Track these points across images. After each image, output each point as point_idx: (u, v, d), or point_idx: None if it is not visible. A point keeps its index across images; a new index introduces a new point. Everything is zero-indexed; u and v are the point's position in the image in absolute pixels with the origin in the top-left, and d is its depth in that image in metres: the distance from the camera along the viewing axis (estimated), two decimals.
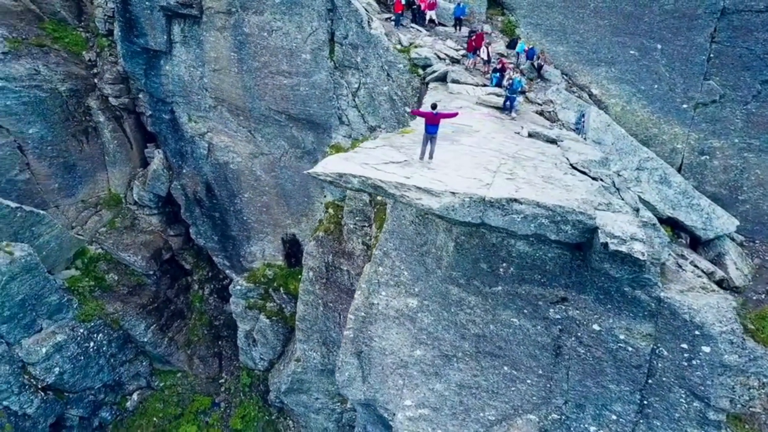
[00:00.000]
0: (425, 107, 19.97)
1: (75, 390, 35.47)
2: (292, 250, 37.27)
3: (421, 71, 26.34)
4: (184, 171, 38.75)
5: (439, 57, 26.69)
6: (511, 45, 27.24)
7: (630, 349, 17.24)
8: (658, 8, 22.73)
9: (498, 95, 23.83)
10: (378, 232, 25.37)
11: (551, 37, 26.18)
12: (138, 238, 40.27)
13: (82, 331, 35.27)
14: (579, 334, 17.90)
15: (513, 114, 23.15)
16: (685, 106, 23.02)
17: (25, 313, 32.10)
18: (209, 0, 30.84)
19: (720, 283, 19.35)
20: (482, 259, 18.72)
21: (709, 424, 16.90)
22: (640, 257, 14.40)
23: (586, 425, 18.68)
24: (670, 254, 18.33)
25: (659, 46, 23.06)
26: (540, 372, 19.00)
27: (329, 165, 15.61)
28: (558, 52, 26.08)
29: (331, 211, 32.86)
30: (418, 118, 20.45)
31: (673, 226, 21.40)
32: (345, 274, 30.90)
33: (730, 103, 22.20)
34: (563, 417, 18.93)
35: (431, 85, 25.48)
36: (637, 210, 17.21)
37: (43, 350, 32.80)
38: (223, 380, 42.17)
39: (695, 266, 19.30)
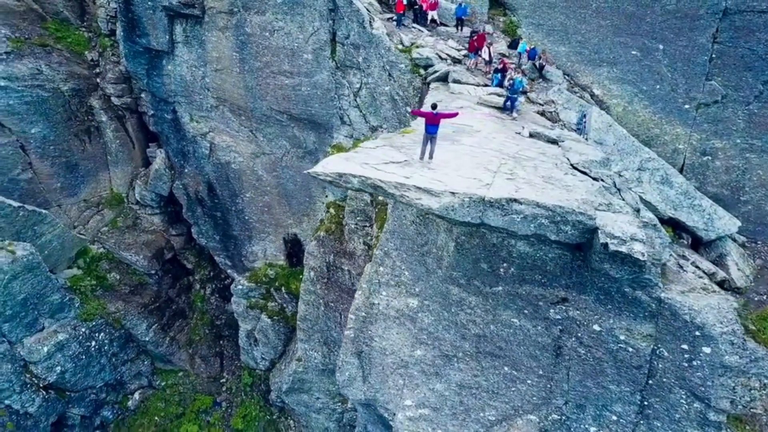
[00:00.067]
0: (426, 107, 19.97)
1: (76, 389, 35.52)
2: (294, 249, 37.29)
3: (422, 71, 26.34)
4: (186, 171, 38.81)
5: (440, 57, 26.68)
6: (513, 45, 27.22)
7: (630, 349, 17.20)
8: (660, 8, 22.69)
9: (499, 95, 23.81)
10: (379, 232, 25.37)
11: (553, 37, 26.15)
12: (140, 238, 40.34)
13: (83, 330, 35.34)
14: (579, 334, 17.88)
15: (514, 114, 23.13)
16: (687, 106, 22.99)
17: (27, 312, 32.17)
18: (211, 0, 30.87)
19: (721, 284, 19.31)
20: (483, 260, 18.71)
21: (709, 425, 16.85)
22: (640, 258, 14.37)
23: (587, 426, 18.65)
24: (671, 255, 18.28)
25: (661, 47, 23.02)
26: (540, 372, 18.97)
27: (329, 165, 15.62)
28: (560, 53, 26.05)
29: (332, 211, 32.88)
30: (418, 118, 20.45)
31: (675, 226, 21.37)
32: (346, 274, 30.91)
33: (732, 103, 22.16)
34: (563, 417, 18.90)
35: (433, 85, 25.48)
36: (638, 210, 17.18)
37: (45, 349, 32.87)
38: (224, 380, 42.22)
39: (696, 267, 19.26)
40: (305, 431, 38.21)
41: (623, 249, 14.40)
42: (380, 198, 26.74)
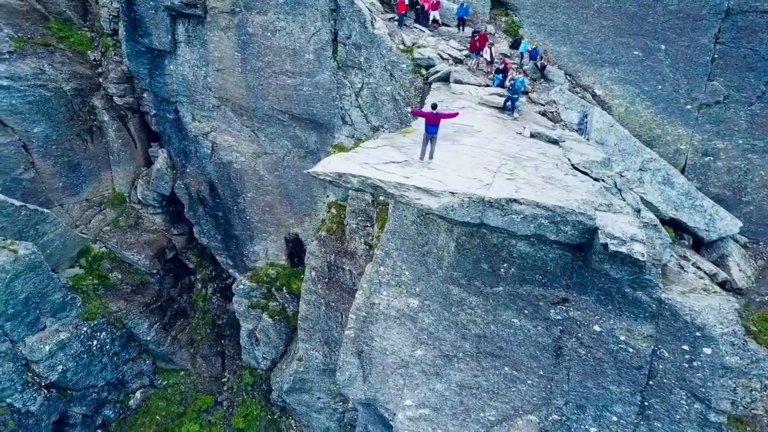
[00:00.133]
0: (426, 107, 19.97)
1: (78, 388, 35.56)
2: (295, 249, 37.31)
3: (424, 71, 26.33)
4: (188, 170, 38.87)
5: (442, 57, 26.67)
6: (515, 45, 27.19)
7: (631, 350, 17.19)
8: (662, 9, 22.63)
9: (501, 95, 23.80)
10: (380, 232, 25.38)
11: (555, 37, 26.11)
12: (142, 237, 40.38)
13: (85, 329, 35.36)
14: (580, 334, 17.86)
15: (515, 114, 23.11)
16: (688, 106, 22.93)
17: (29, 311, 32.21)
18: (213, 0, 30.92)
19: (723, 285, 19.27)
20: (483, 260, 18.70)
21: (710, 426, 16.83)
22: (640, 258, 14.35)
23: (587, 426, 18.63)
24: (671, 255, 18.25)
25: (663, 47, 22.96)
26: (541, 373, 18.96)
27: (329, 165, 15.63)
28: (562, 53, 26.01)
29: (333, 210, 32.89)
30: (419, 118, 20.44)
31: (676, 227, 21.33)
32: (347, 273, 30.93)
33: (734, 104, 22.09)
34: (564, 418, 18.88)
35: (434, 85, 25.47)
36: (639, 211, 17.15)
37: (47, 348, 32.88)
38: (225, 379, 42.26)
39: (698, 268, 19.23)
40: (306, 431, 38.23)
41: (623, 249, 14.39)
42: (381, 198, 26.74)
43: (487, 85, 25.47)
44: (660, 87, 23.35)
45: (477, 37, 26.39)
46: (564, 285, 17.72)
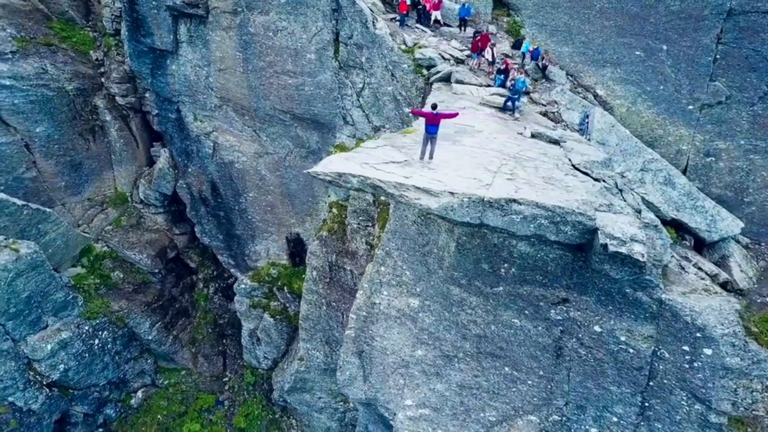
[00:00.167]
0: (426, 107, 19.97)
1: (80, 387, 35.65)
2: (297, 249, 37.35)
3: (425, 71, 26.30)
4: (190, 170, 38.93)
5: (443, 57, 26.64)
6: (516, 45, 27.14)
7: (631, 350, 17.15)
8: (664, 9, 22.56)
9: (502, 96, 23.76)
10: (381, 232, 25.37)
11: (557, 37, 26.06)
12: (143, 237, 40.47)
13: (87, 328, 35.44)
14: (580, 335, 17.84)
15: (516, 115, 23.09)
16: (690, 107, 22.86)
17: (31, 310, 32.29)
18: (215, 0, 30.96)
19: (724, 286, 19.21)
20: (484, 260, 18.68)
21: (710, 427, 16.78)
22: (640, 259, 14.32)
23: (587, 427, 18.60)
24: (672, 256, 18.19)
25: (665, 47, 22.90)
26: (541, 373, 18.94)
27: (329, 164, 15.63)
28: (563, 53, 25.96)
29: (335, 210, 32.91)
30: (420, 118, 20.43)
31: (678, 227, 21.28)
32: (348, 273, 30.95)
33: (736, 104, 22.00)
34: (564, 418, 18.86)
35: (435, 85, 25.44)
36: (639, 211, 17.10)
37: (49, 347, 32.98)
38: (227, 379, 42.32)
39: (699, 268, 19.17)
40: (307, 430, 38.25)
41: (623, 250, 14.35)
42: (382, 198, 26.75)
43: (489, 86, 25.42)
44: (662, 87, 23.29)
45: (479, 38, 26.35)
46: (564, 285, 17.69)
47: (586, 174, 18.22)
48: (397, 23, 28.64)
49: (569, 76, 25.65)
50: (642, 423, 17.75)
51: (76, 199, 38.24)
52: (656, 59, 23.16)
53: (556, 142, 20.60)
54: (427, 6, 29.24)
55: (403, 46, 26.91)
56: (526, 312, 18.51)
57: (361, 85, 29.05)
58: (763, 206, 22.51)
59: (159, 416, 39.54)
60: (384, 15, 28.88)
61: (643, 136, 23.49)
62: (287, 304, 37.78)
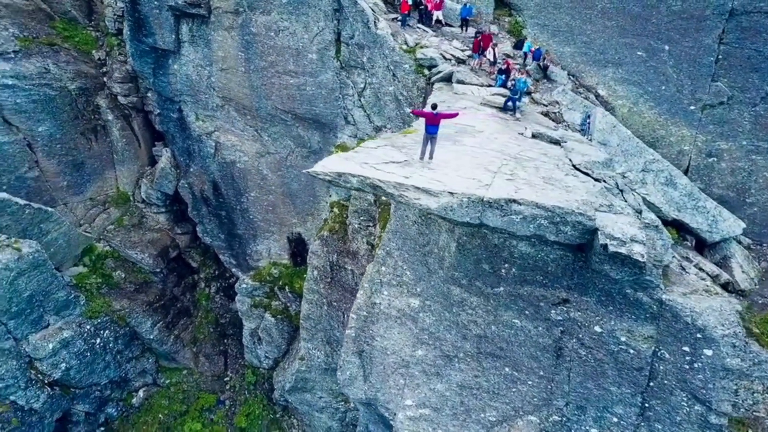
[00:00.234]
0: (427, 107, 19.96)
1: (81, 386, 35.70)
2: (298, 249, 37.37)
3: (426, 71, 26.28)
4: (192, 169, 38.98)
5: (444, 57, 26.63)
6: (518, 45, 27.13)
7: (631, 351, 17.12)
8: (666, 9, 22.52)
9: (503, 96, 23.74)
10: (382, 232, 25.36)
11: (558, 37, 26.03)
12: (145, 236, 40.54)
13: (88, 327, 35.48)
14: (580, 335, 17.81)
15: (517, 115, 23.06)
16: (692, 107, 22.81)
17: (33, 309, 32.34)
18: (217, 0, 30.99)
19: (725, 287, 19.15)
20: (484, 260, 18.66)
21: (710, 428, 16.74)
22: (640, 259, 14.27)
23: (587, 427, 18.56)
24: (673, 256, 18.15)
25: (667, 48, 22.86)
26: (541, 373, 18.91)
27: (329, 164, 15.63)
28: (565, 53, 25.93)
29: (336, 210, 32.92)
30: (420, 118, 20.41)
31: (679, 228, 21.24)
32: (349, 273, 30.94)
33: (738, 104, 21.95)
34: (564, 419, 18.83)
35: (436, 85, 25.43)
36: (640, 212, 17.06)
37: (50, 346, 33.00)
38: (228, 378, 42.36)
39: (700, 269, 19.13)
40: (308, 430, 38.26)
41: (622, 250, 14.32)
42: (383, 198, 26.76)
43: (490, 86, 25.40)
44: (663, 88, 23.25)
45: (480, 38, 26.34)
46: (565, 286, 17.66)
47: (587, 174, 18.18)
48: (399, 23, 28.62)
49: (571, 77, 25.62)
50: (642, 424, 17.71)
51: (78, 199, 38.32)
52: (658, 59, 23.12)
53: (557, 143, 20.57)
54: (429, 6, 29.24)
55: (404, 46, 26.91)
56: (527, 312, 18.48)
57: (362, 85, 29.05)
58: (765, 207, 22.45)
59: (160, 415, 39.59)
60: (385, 15, 28.90)
61: (645, 137, 23.45)
62: (288, 304, 37.81)
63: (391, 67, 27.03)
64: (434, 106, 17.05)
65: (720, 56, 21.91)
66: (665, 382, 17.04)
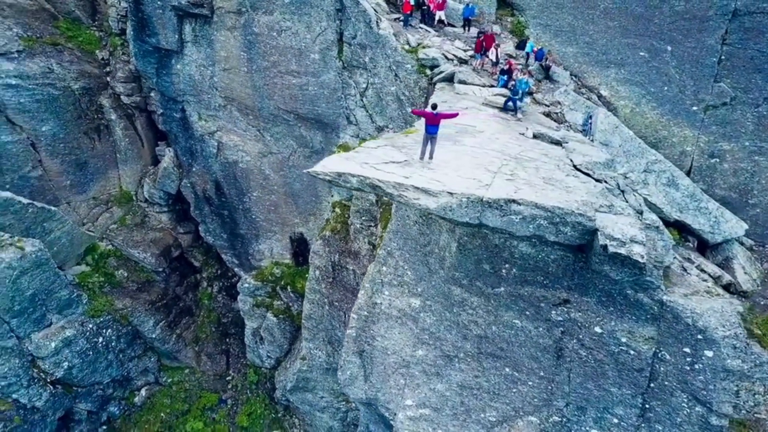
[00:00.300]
0: (427, 107, 19.95)
1: (83, 384, 35.81)
2: (300, 248, 37.39)
3: (428, 71, 26.28)
4: (194, 169, 39.05)
5: (446, 57, 26.62)
6: (521, 46, 27.11)
7: (632, 352, 17.07)
8: (669, 9, 22.47)
9: (505, 96, 23.71)
10: (383, 232, 25.36)
11: (561, 38, 26.00)
12: (148, 236, 40.64)
13: (91, 326, 35.59)
14: (581, 336, 17.77)
15: (519, 115, 23.03)
16: (695, 108, 22.74)
17: (35, 307, 32.46)
18: (220, 0, 31.05)
19: (727, 288, 19.08)
20: (485, 260, 18.65)
21: (711, 430, 16.68)
22: (639, 260, 14.24)
23: (588, 428, 18.52)
24: (675, 257, 18.10)
25: (669, 48, 22.80)
26: (541, 374, 18.88)
27: (329, 164, 15.65)
28: (567, 53, 25.89)
29: (338, 210, 32.94)
30: (421, 118, 20.40)
31: (681, 229, 21.18)
32: (351, 273, 30.96)
33: (741, 105, 21.88)
34: (564, 419, 18.79)
35: (438, 85, 25.42)
36: (641, 212, 17.01)
37: (53, 344, 33.11)
38: (230, 377, 42.41)
39: (701, 270, 19.06)
40: (310, 429, 38.29)
41: (622, 251, 14.29)
42: (385, 198, 26.75)
43: (492, 86, 25.38)
44: (666, 88, 23.18)
45: (482, 38, 26.33)
46: (565, 286, 17.63)
47: (588, 175, 18.13)
48: (401, 23, 28.65)
49: (573, 77, 25.59)
50: (642, 425, 17.66)
51: (81, 198, 38.44)
52: (661, 60, 23.06)
53: (558, 143, 20.53)
54: (431, 6, 29.25)
55: (406, 46, 26.91)
56: (527, 313, 18.46)
57: (364, 85, 29.06)
58: None
59: (162, 414, 39.67)
60: (388, 15, 28.92)
61: (647, 137, 23.39)
62: (290, 304, 37.84)
63: (393, 67, 27.03)
64: (434, 106, 17.05)
65: (723, 57, 21.84)
66: (666, 383, 16.99)
